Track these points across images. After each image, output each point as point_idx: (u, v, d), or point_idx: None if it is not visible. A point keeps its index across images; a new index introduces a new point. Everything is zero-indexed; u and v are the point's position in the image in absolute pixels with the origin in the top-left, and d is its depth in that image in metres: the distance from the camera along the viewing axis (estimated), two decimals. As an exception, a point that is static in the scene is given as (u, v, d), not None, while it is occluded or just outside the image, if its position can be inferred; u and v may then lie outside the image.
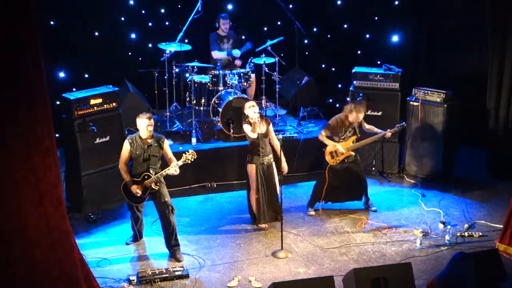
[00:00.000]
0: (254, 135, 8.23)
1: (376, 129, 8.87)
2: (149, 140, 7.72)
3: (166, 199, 7.72)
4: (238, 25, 11.07)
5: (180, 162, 7.69)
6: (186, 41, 10.50)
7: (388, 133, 8.79)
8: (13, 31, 5.32)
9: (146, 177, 7.68)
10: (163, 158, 7.87)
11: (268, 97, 10.75)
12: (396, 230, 8.48)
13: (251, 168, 8.37)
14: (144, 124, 7.63)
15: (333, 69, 12.12)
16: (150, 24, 11.35)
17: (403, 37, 11.33)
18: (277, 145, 8.29)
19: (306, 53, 11.91)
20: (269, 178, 8.42)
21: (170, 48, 10.22)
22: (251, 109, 8.25)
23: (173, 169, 7.65)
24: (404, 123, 9.04)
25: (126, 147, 7.75)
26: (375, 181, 9.94)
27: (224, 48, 10.79)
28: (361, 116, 8.61)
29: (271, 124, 8.50)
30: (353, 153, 8.73)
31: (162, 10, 11.36)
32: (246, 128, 8.31)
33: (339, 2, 11.76)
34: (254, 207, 8.52)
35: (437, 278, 7.03)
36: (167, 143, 7.90)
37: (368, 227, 8.59)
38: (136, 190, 7.64)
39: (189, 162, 7.74)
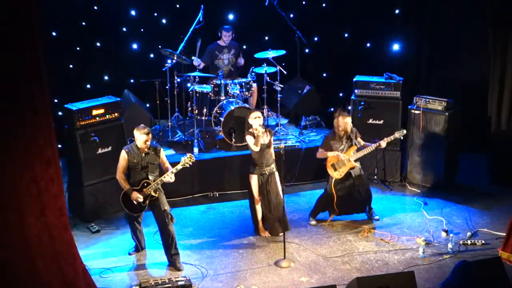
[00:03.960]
0: (256, 149, 8.18)
1: (368, 144, 8.70)
2: (145, 149, 7.75)
3: (165, 208, 7.73)
4: (239, 35, 11.09)
5: (179, 166, 7.69)
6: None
7: (383, 143, 8.66)
8: (15, 40, 5.34)
9: (145, 184, 7.69)
10: (160, 167, 7.89)
11: (269, 106, 10.78)
12: (399, 239, 8.46)
13: (253, 179, 8.35)
14: (142, 139, 7.65)
15: (334, 78, 12.13)
16: (151, 34, 11.38)
17: (404, 46, 11.34)
18: (273, 155, 8.38)
19: (308, 62, 11.93)
20: (271, 187, 8.38)
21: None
22: (256, 120, 8.17)
23: (169, 176, 7.67)
24: (404, 130, 8.96)
25: (123, 157, 7.77)
26: (377, 189, 9.92)
27: (223, 58, 10.81)
28: (347, 120, 8.51)
29: (273, 135, 8.48)
30: (357, 165, 8.67)
31: (164, 21, 11.40)
32: (249, 140, 8.24)
33: (339, 11, 11.78)
34: (256, 217, 8.50)
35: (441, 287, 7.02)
36: (163, 152, 7.94)
37: (370, 236, 8.57)
38: (137, 195, 7.64)
39: (188, 166, 7.74)
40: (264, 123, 8.44)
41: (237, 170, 9.81)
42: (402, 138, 9.07)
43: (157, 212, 7.77)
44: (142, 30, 11.35)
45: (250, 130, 8.27)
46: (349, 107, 10.10)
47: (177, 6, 11.35)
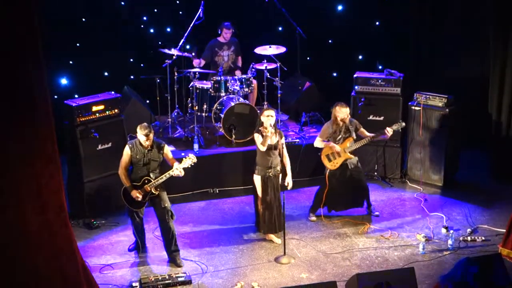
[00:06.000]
0: (263, 149, 8.06)
1: (372, 135, 8.76)
2: (148, 146, 7.74)
3: (166, 205, 7.73)
4: (239, 31, 11.08)
5: (181, 166, 7.69)
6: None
7: (389, 131, 8.57)
8: (13, 34, 5.32)
9: (146, 181, 7.70)
10: (166, 162, 7.88)
11: (269, 102, 10.76)
12: (399, 235, 8.47)
13: (257, 179, 8.25)
14: (141, 139, 7.65)
15: (335, 74, 12.13)
16: (151, 30, 11.38)
17: (405, 42, 11.33)
18: (286, 158, 8.24)
19: (308, 58, 11.92)
20: (274, 188, 8.25)
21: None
22: (268, 119, 8.02)
23: (178, 170, 7.65)
24: (403, 122, 8.93)
25: (126, 152, 7.77)
26: (378, 186, 9.93)
27: (223, 55, 10.80)
28: (345, 110, 8.50)
29: (283, 138, 8.32)
30: (353, 156, 8.68)
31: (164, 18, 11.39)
32: (257, 138, 8.12)
33: (340, 7, 11.77)
34: (259, 214, 8.45)
35: (440, 281, 7.01)
36: (167, 148, 7.90)
37: (370, 232, 8.58)
38: (136, 194, 7.65)
39: (189, 166, 7.75)
40: (275, 123, 8.28)
41: (237, 166, 9.80)
42: (400, 130, 9.04)
43: (158, 209, 7.77)
44: (142, 27, 11.35)
45: (260, 128, 8.13)
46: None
47: (177, 2, 11.34)
